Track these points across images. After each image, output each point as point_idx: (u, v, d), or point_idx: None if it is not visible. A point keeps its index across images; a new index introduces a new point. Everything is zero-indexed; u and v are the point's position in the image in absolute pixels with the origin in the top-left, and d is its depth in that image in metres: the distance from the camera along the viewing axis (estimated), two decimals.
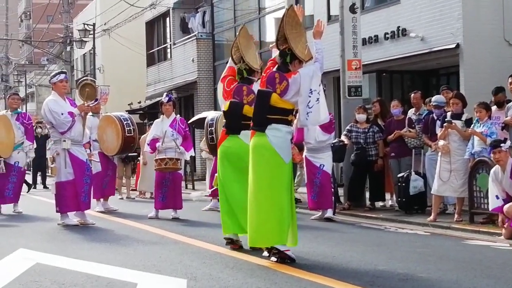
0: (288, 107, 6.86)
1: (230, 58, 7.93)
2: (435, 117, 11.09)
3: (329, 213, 11.14)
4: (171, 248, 7.81)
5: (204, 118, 13.97)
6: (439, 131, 10.67)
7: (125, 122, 12.45)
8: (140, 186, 16.94)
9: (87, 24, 31.79)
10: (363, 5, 16.50)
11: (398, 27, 16.21)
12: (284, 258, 6.67)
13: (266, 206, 6.71)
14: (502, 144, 9.09)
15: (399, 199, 11.75)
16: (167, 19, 28.80)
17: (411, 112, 12.28)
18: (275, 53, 7.60)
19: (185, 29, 27.50)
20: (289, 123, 6.94)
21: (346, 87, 13.08)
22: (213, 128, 12.27)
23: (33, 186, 20.41)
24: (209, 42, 25.99)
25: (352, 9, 13.04)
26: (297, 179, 13.35)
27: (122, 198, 16.31)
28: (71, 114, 9.91)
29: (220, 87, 7.92)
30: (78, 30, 32.46)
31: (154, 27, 30.47)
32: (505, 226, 8.86)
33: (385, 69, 17.54)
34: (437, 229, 9.96)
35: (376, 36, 16.80)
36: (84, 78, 15.83)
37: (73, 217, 10.16)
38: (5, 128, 12.16)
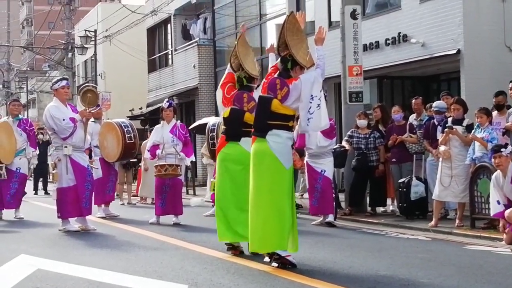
0: (289, 113, 6.87)
1: (229, 65, 7.95)
2: (436, 123, 11.10)
3: (330, 218, 11.14)
4: (172, 253, 7.81)
5: (205, 124, 13.99)
6: (440, 137, 10.68)
7: (125, 129, 12.46)
8: (141, 192, 16.94)
9: (89, 31, 31.86)
10: (364, 11, 16.52)
11: (399, 33, 16.24)
12: (285, 264, 6.67)
13: (266, 212, 6.71)
14: (502, 149, 9.10)
15: (400, 204, 11.75)
16: (169, 25, 28.86)
17: (412, 118, 12.29)
18: (272, 57, 7.64)
19: (186, 35, 27.56)
20: (289, 129, 6.95)
21: (347, 93, 13.09)
22: (214, 134, 12.28)
23: (34, 192, 20.41)
24: (210, 48, 26.03)
25: (353, 15, 13.06)
26: (302, 184, 13.36)
27: (123, 204, 16.31)
28: (72, 120, 9.93)
29: (219, 93, 7.91)
30: (80, 36, 32.53)
31: (156, 33, 30.52)
32: (506, 231, 8.86)
33: (386, 75, 17.56)
34: (438, 235, 9.96)
35: (377, 42, 16.82)
36: (86, 84, 15.86)
37: (74, 223, 10.17)
38: (7, 134, 12.18)
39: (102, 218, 12.34)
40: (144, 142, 15.99)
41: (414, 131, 11.93)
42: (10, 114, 12.74)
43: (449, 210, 11.34)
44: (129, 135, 12.41)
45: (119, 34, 29.95)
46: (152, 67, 30.60)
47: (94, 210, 10.99)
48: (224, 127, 7.78)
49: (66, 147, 9.91)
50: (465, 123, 10.56)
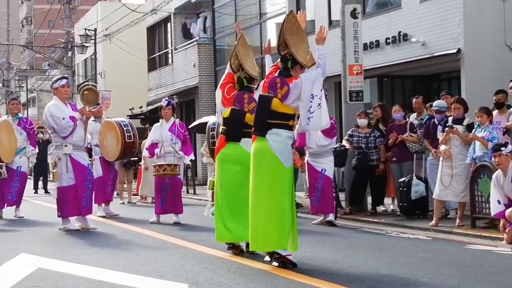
0: (289, 112, 6.87)
1: (228, 66, 7.93)
2: (436, 122, 11.10)
3: (330, 217, 11.13)
4: (173, 253, 7.81)
5: (205, 123, 13.96)
6: (440, 136, 10.67)
7: (125, 128, 12.44)
8: (141, 191, 16.94)
9: (89, 29, 31.83)
10: (364, 10, 16.51)
11: (399, 32, 16.23)
12: (285, 263, 6.67)
13: (266, 211, 6.71)
14: (502, 148, 9.09)
15: (401, 203, 11.74)
16: (168, 24, 28.85)
17: (413, 117, 12.29)
18: (268, 59, 7.63)
19: (186, 34, 27.55)
20: (289, 128, 6.95)
21: (347, 92, 13.09)
22: (215, 132, 12.23)
23: (34, 191, 20.40)
24: (210, 47, 26.02)
25: (353, 14, 13.05)
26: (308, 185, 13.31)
27: (123, 203, 16.31)
28: (72, 118, 9.93)
29: (218, 94, 7.88)
30: (80, 35, 32.50)
31: (155, 32, 30.50)
32: (506, 231, 8.85)
33: (386, 74, 17.55)
34: (438, 234, 9.96)
35: (377, 41, 16.81)
36: (86, 83, 15.85)
37: (74, 222, 10.17)
38: (7, 133, 12.18)
39: (102, 217, 12.34)
40: (144, 141, 15.98)
41: (415, 130, 11.92)
42: (10, 113, 12.74)
43: (450, 209, 11.34)
44: (128, 134, 12.40)
45: (119, 33, 29.95)
46: (152, 66, 30.60)
47: (94, 209, 10.98)
48: (223, 127, 7.75)
49: (66, 146, 9.91)
50: (465, 122, 10.55)
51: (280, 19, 18.79)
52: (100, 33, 31.93)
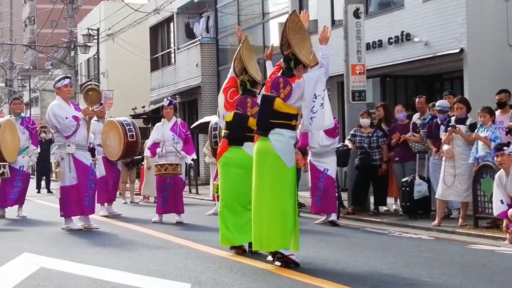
0: (291, 112, 6.86)
1: (231, 69, 7.91)
2: (439, 122, 11.09)
3: (333, 217, 11.13)
4: (175, 252, 7.82)
5: (207, 123, 13.97)
6: (443, 136, 10.67)
7: (127, 127, 12.45)
8: (144, 190, 16.96)
9: (91, 29, 31.85)
10: (367, 10, 16.50)
11: (402, 31, 16.21)
12: (288, 263, 6.67)
13: (269, 211, 6.71)
14: (505, 148, 9.09)
15: (403, 203, 11.74)
16: (171, 24, 28.85)
17: (416, 117, 12.28)
18: (269, 64, 7.61)
19: (189, 34, 27.56)
20: (292, 128, 6.94)
21: (350, 92, 13.09)
22: (217, 132, 12.25)
23: (37, 190, 20.43)
24: (213, 47, 26.01)
25: (356, 14, 13.05)
26: None
27: (126, 203, 16.32)
28: (75, 118, 9.94)
29: (221, 98, 7.86)
30: (82, 35, 32.54)
31: (158, 32, 30.51)
32: (509, 231, 8.85)
33: (389, 73, 17.54)
34: (441, 234, 9.95)
35: (380, 41, 16.80)
36: (89, 82, 15.86)
37: (77, 222, 10.18)
38: (11, 133, 12.19)
39: (105, 216, 12.34)
40: (147, 140, 15.99)
41: (418, 130, 11.92)
42: (12, 113, 12.76)
43: (452, 209, 11.33)
44: (131, 134, 12.40)
45: (122, 33, 29.96)
46: (155, 65, 30.60)
47: (97, 208, 10.99)
48: (226, 131, 7.74)
49: (69, 145, 9.92)
50: (468, 122, 10.55)
51: (283, 19, 18.74)
52: (103, 33, 31.94)
